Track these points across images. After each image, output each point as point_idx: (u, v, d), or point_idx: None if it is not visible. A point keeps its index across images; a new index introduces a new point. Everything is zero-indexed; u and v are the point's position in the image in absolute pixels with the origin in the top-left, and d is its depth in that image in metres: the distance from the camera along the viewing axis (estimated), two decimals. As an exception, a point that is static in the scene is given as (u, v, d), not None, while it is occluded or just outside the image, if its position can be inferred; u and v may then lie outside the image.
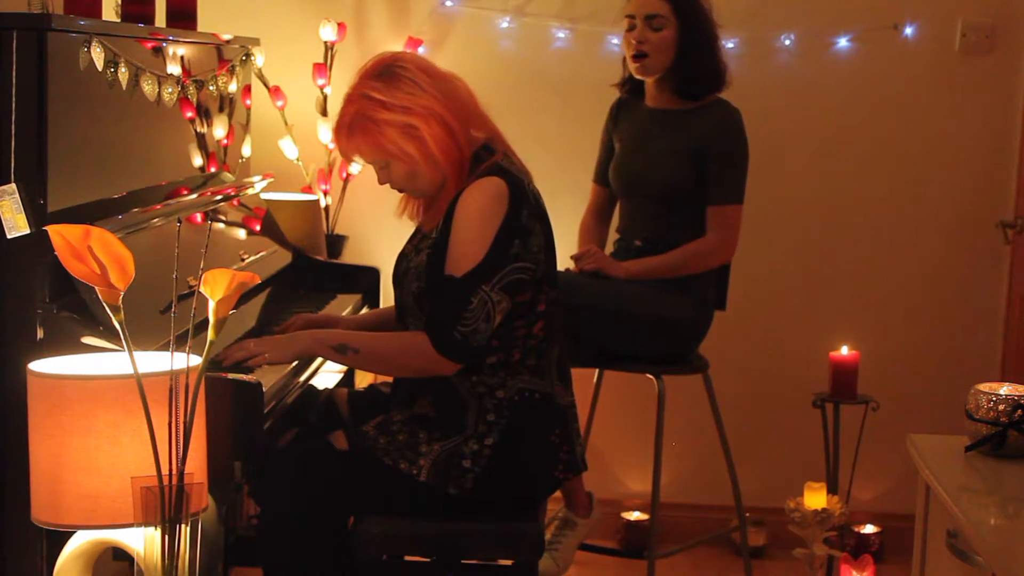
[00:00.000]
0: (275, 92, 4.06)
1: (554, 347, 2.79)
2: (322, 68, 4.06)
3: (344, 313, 3.36)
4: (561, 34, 4.14)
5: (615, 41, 4.11)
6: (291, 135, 4.09)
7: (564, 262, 3.49)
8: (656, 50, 3.49)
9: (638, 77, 3.58)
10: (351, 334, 2.77)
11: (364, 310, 3.55)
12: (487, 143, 2.75)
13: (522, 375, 2.72)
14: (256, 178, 3.55)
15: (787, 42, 4.12)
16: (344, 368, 3.36)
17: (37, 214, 2.36)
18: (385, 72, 2.69)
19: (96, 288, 1.90)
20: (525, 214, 2.68)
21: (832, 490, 3.72)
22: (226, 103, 3.46)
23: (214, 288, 1.94)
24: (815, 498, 3.59)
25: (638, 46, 3.50)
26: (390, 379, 2.93)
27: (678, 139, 3.52)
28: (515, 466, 2.70)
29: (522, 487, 2.74)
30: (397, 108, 2.65)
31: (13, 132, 2.39)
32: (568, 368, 2.87)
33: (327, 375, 3.18)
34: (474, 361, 2.67)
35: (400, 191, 2.80)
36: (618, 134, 3.67)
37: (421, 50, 4.12)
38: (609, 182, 3.68)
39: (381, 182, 2.77)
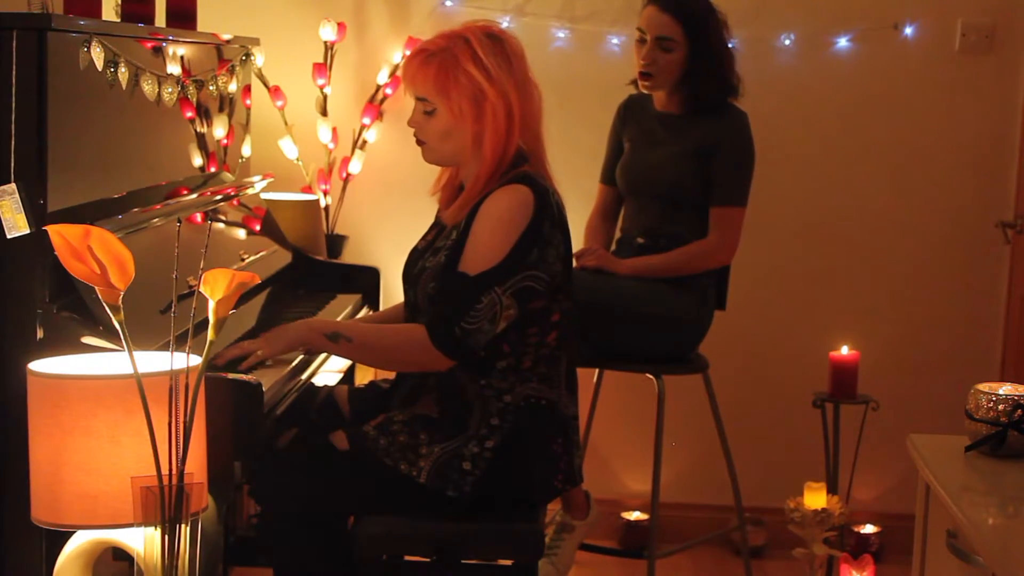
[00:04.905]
0: (275, 92, 4.06)
1: (565, 357, 2.79)
2: (322, 68, 4.06)
3: (343, 313, 3.36)
4: (561, 34, 4.14)
5: (615, 41, 4.11)
6: (291, 135, 4.09)
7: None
8: (663, 71, 3.51)
9: (644, 92, 3.60)
10: (345, 323, 2.77)
11: (364, 310, 3.55)
12: (524, 152, 2.73)
13: (531, 382, 2.72)
14: (256, 178, 3.55)
15: (787, 42, 4.12)
16: (344, 367, 3.36)
17: (37, 214, 2.36)
18: (495, 37, 2.70)
19: (96, 288, 1.90)
20: (547, 224, 2.67)
21: (832, 490, 3.72)
22: (226, 103, 3.46)
23: (214, 288, 1.94)
24: (815, 498, 3.59)
25: (645, 66, 3.51)
26: (391, 375, 2.92)
27: (686, 141, 3.53)
28: (515, 471, 2.70)
29: (521, 493, 2.74)
30: (484, 69, 2.65)
31: (13, 132, 2.39)
32: (576, 379, 2.86)
33: (327, 374, 3.18)
34: (467, 361, 2.67)
35: (420, 143, 2.76)
36: (627, 134, 3.67)
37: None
38: (616, 182, 3.68)
39: (412, 123, 2.75)
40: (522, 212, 2.65)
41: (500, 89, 2.66)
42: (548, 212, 2.68)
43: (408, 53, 4.02)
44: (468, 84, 2.65)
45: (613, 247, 3.70)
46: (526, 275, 2.64)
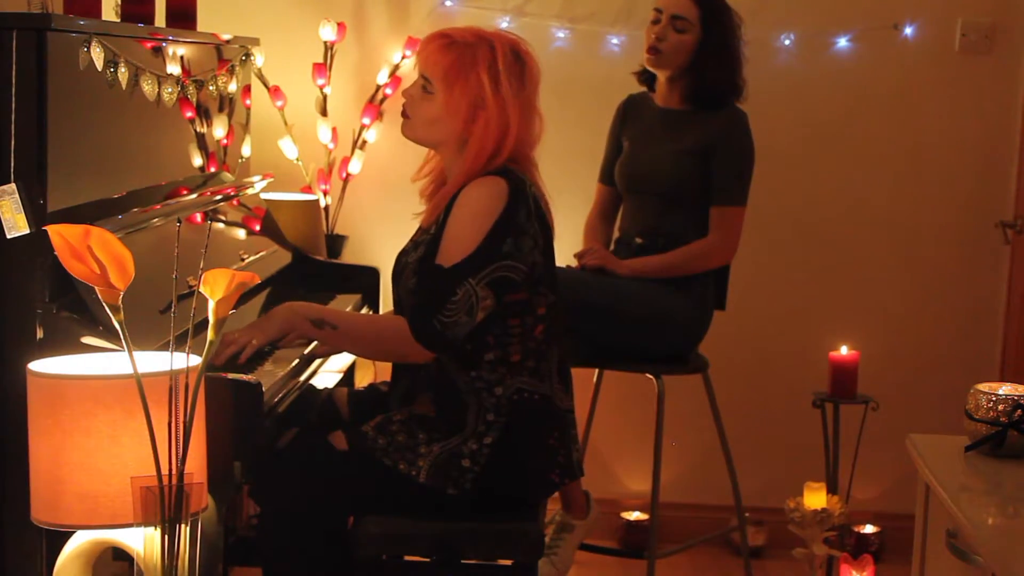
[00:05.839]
0: (275, 92, 4.06)
1: (555, 351, 2.79)
2: (322, 68, 4.06)
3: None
4: (561, 34, 4.14)
5: (615, 41, 4.11)
6: (291, 135, 4.09)
7: (566, 260, 3.49)
8: (672, 50, 3.51)
9: (649, 68, 3.60)
10: (330, 310, 2.77)
11: (364, 310, 3.55)
12: (515, 158, 2.73)
13: (522, 376, 2.72)
14: (256, 178, 3.55)
15: (787, 42, 4.12)
16: (344, 367, 3.36)
17: (37, 214, 2.36)
18: (520, 56, 2.71)
19: (96, 288, 1.90)
20: (522, 214, 2.68)
21: (832, 490, 3.72)
22: (226, 103, 3.46)
23: (214, 288, 1.94)
24: (815, 498, 3.59)
25: (656, 42, 3.51)
26: (389, 377, 2.93)
27: (685, 139, 3.53)
28: (513, 466, 2.70)
29: (520, 487, 2.74)
30: (495, 81, 2.66)
31: (13, 132, 2.39)
32: (569, 373, 2.87)
33: (327, 375, 3.18)
34: (450, 352, 2.67)
35: (405, 116, 2.75)
36: (627, 133, 3.68)
37: (421, 50, 4.12)
38: (615, 182, 3.68)
39: (406, 94, 2.75)
40: (495, 202, 2.65)
41: (502, 106, 2.66)
42: (523, 201, 2.68)
43: (407, 52, 4.07)
44: (475, 88, 2.66)
45: (612, 247, 3.70)
46: (501, 265, 2.64)
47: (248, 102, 3.68)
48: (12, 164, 2.39)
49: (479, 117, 2.67)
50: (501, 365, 2.71)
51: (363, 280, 3.62)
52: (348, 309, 3.41)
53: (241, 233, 3.37)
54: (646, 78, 3.67)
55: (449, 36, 2.71)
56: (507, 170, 2.70)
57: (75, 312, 2.43)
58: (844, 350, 3.78)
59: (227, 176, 3.49)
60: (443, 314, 2.62)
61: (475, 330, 2.65)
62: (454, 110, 2.67)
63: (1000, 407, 2.33)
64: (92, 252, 1.87)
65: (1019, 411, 2.31)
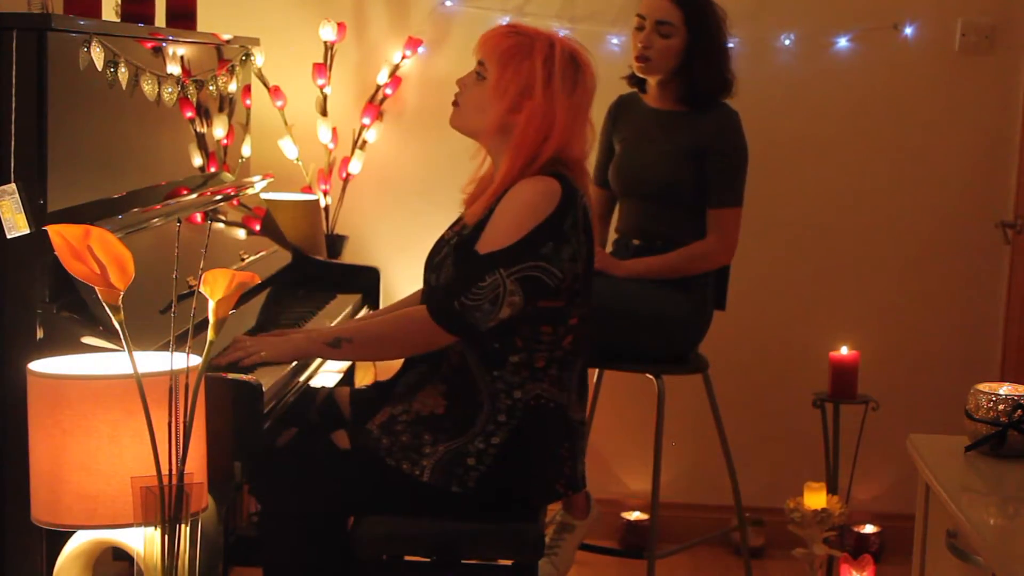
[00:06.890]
0: (275, 92, 4.06)
1: (579, 362, 2.79)
2: (322, 68, 4.06)
3: (343, 313, 3.36)
4: (561, 34, 4.13)
5: (615, 41, 4.11)
6: (291, 135, 4.09)
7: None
8: (660, 55, 3.50)
9: (639, 75, 3.59)
10: (341, 327, 2.77)
11: (364, 310, 3.54)
12: (562, 161, 2.72)
13: (543, 383, 2.71)
14: (256, 178, 3.55)
15: (787, 42, 4.12)
16: (344, 367, 3.36)
17: (37, 214, 2.36)
18: (577, 63, 2.72)
19: (96, 288, 1.90)
20: (569, 221, 2.67)
21: (832, 490, 3.72)
22: (226, 103, 3.46)
23: (214, 288, 1.94)
24: (815, 498, 3.59)
25: (643, 50, 3.51)
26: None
27: (678, 140, 3.53)
28: (519, 470, 2.69)
29: (524, 491, 2.73)
30: (548, 74, 2.67)
31: (13, 132, 2.39)
32: (587, 385, 2.86)
33: (327, 374, 3.18)
34: (466, 337, 2.65)
35: (456, 104, 2.76)
36: (618, 135, 3.67)
37: (421, 50, 4.12)
38: (608, 183, 3.68)
39: (460, 82, 2.77)
40: (545, 202, 2.64)
41: (549, 100, 2.66)
42: (572, 210, 2.67)
43: (407, 52, 4.07)
44: (526, 75, 2.66)
45: (609, 248, 3.70)
46: (535, 265, 2.62)
47: (248, 102, 3.68)
48: (12, 164, 2.39)
49: (525, 107, 2.66)
50: (525, 369, 2.70)
51: (363, 280, 3.62)
52: (348, 309, 3.41)
53: (241, 233, 3.37)
54: (636, 80, 3.67)
55: (513, 27, 2.75)
56: (562, 175, 2.69)
57: (75, 312, 2.43)
58: (844, 350, 3.78)
59: (227, 176, 3.49)
60: (467, 296, 2.61)
61: (503, 328, 2.64)
62: (502, 92, 2.67)
63: (1000, 407, 2.33)
64: (92, 252, 1.87)
65: (1019, 411, 2.32)
